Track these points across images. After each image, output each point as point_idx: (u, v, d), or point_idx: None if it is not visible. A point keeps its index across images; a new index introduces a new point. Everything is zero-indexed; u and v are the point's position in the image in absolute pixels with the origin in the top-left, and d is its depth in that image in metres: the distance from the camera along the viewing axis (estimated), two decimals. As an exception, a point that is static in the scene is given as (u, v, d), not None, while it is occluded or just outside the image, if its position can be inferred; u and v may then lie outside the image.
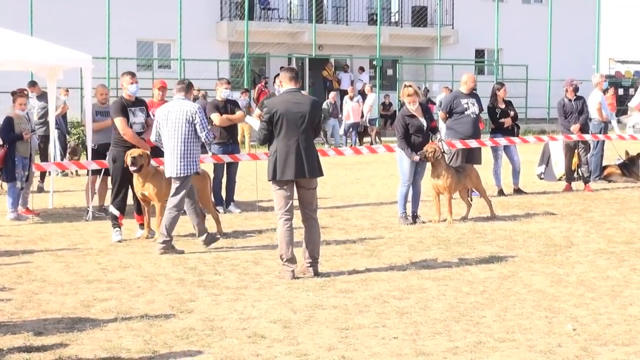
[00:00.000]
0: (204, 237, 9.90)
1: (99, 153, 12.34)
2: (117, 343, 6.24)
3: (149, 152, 10.45)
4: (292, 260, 8.37)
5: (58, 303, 7.44)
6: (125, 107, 10.52)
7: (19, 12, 25.08)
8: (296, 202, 8.53)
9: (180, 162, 9.66)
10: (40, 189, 15.29)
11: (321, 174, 8.61)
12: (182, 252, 9.68)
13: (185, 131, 9.67)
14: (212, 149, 12.91)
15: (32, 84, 16.85)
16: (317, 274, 8.45)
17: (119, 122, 10.45)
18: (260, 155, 13.30)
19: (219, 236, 10.36)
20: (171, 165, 9.72)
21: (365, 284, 8.08)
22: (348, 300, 7.47)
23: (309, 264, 8.50)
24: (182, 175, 9.68)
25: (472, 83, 13.90)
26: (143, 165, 10.26)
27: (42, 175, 15.68)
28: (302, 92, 9.07)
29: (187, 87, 9.97)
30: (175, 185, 9.75)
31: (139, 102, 10.77)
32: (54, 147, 14.33)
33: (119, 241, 10.33)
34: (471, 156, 13.52)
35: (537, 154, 17.67)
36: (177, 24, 27.97)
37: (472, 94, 14.00)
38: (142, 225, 10.73)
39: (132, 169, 10.21)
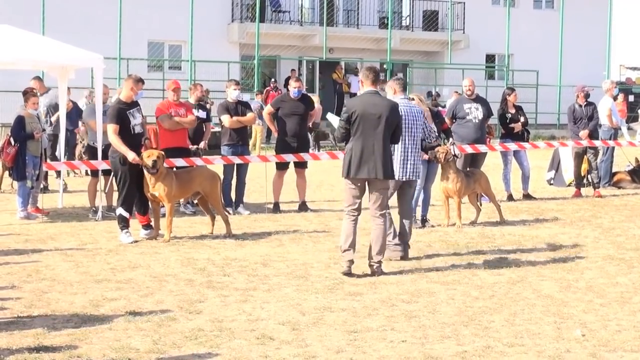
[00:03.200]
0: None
1: (103, 153, 12.32)
2: (125, 343, 6.26)
3: (163, 153, 10.47)
4: (349, 251, 8.51)
5: (67, 302, 7.46)
6: (120, 113, 10.46)
7: (30, 12, 25.16)
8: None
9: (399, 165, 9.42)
10: (46, 188, 15.26)
11: (393, 177, 8.79)
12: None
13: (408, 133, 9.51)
14: (222, 150, 12.93)
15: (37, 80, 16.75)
16: (374, 273, 8.54)
17: (110, 129, 10.43)
18: (270, 158, 13.32)
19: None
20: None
21: (374, 287, 8.08)
22: (357, 303, 7.47)
23: (371, 265, 8.61)
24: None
25: (471, 87, 13.85)
26: (160, 168, 10.30)
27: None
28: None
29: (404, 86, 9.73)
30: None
31: (135, 103, 10.76)
32: (62, 146, 14.33)
33: (132, 242, 10.31)
34: (473, 162, 13.48)
35: (546, 159, 17.63)
36: (188, 25, 28.00)
37: (478, 98, 13.94)
38: (145, 226, 10.72)
39: (151, 171, 10.24)
